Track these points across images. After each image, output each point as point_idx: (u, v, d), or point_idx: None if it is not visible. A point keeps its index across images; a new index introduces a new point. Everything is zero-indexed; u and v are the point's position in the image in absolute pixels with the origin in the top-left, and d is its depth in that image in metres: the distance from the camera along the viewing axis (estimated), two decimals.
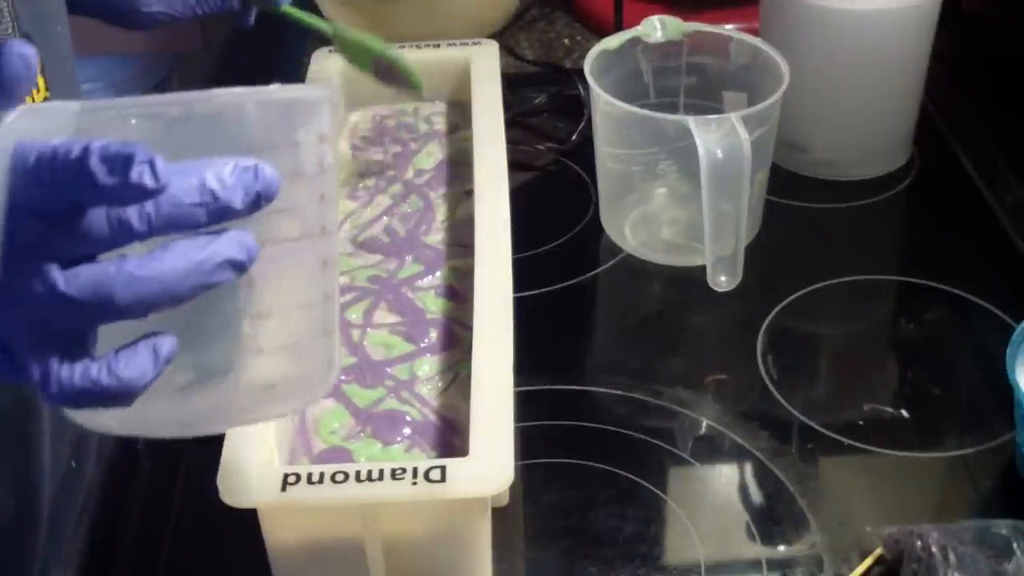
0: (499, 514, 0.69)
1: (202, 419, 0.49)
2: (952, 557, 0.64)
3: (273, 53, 1.09)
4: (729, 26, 0.99)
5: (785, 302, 0.89)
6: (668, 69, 0.97)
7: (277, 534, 0.62)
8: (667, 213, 0.96)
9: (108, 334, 0.44)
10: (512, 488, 0.68)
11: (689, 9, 1.12)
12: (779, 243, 0.95)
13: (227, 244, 0.43)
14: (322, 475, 0.59)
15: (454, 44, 0.95)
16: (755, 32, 0.97)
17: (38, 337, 0.43)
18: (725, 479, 0.77)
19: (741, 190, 0.83)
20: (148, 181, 0.40)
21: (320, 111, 0.47)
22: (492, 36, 1.07)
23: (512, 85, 1.04)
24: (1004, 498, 0.75)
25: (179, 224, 0.42)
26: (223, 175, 0.42)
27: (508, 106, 0.91)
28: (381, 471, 0.59)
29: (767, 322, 0.88)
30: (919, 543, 0.66)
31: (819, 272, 0.92)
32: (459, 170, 0.88)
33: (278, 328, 0.48)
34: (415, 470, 0.59)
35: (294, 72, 1.00)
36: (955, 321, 0.89)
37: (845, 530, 0.72)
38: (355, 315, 0.75)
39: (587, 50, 0.93)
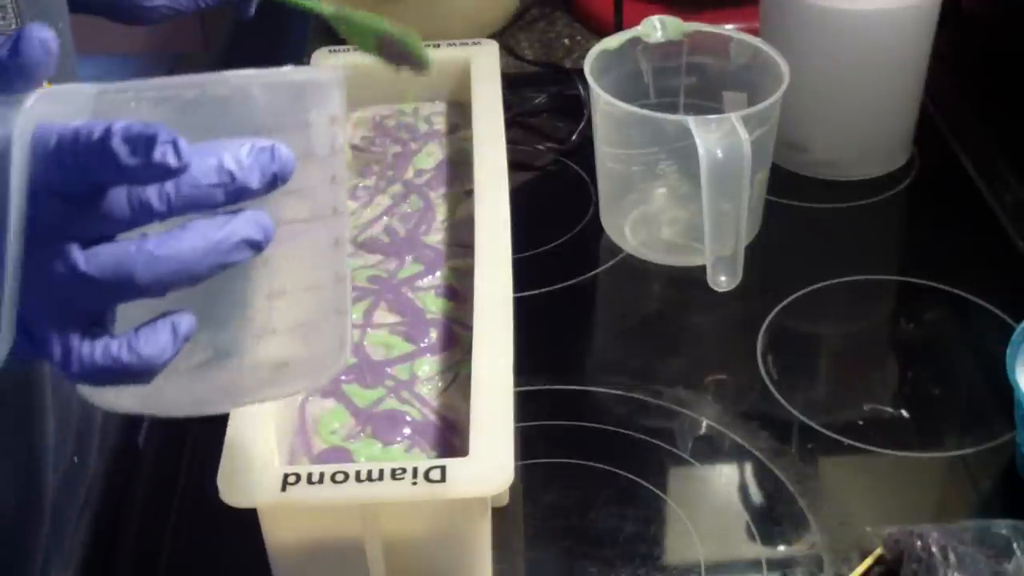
0: (499, 514, 0.69)
1: (216, 397, 0.50)
2: (952, 557, 0.64)
3: (273, 53, 1.09)
4: (729, 26, 0.99)
5: (785, 302, 0.89)
6: (668, 69, 0.97)
7: (277, 534, 0.62)
8: (667, 213, 0.96)
9: (126, 313, 0.45)
10: (512, 488, 0.68)
11: (689, 9, 1.12)
12: (779, 243, 0.95)
13: (244, 224, 0.44)
14: (322, 475, 0.59)
15: (454, 44, 0.95)
16: (755, 32, 0.97)
17: (59, 316, 0.43)
18: (725, 479, 0.77)
19: (741, 190, 0.83)
20: (171, 160, 0.41)
21: (332, 93, 0.47)
22: (492, 36, 1.07)
23: (512, 85, 1.04)
24: (1004, 498, 0.75)
25: (197, 204, 0.43)
26: (240, 156, 0.43)
27: (508, 106, 0.91)
28: (381, 471, 0.59)
29: (767, 322, 0.88)
30: (919, 543, 0.66)
31: (819, 272, 0.92)
32: (459, 170, 0.88)
33: (291, 308, 0.49)
34: (415, 470, 0.59)
35: None
36: (955, 321, 0.89)
37: (845, 530, 0.72)
38: (355, 315, 0.75)
39: (587, 50, 0.93)
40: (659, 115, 0.88)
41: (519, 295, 0.72)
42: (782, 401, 0.81)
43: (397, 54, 0.83)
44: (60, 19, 0.69)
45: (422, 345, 0.73)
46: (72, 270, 0.42)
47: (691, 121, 0.84)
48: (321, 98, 0.47)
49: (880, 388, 0.84)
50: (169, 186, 0.42)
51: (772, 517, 0.73)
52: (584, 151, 1.01)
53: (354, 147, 0.91)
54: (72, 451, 0.76)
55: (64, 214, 0.42)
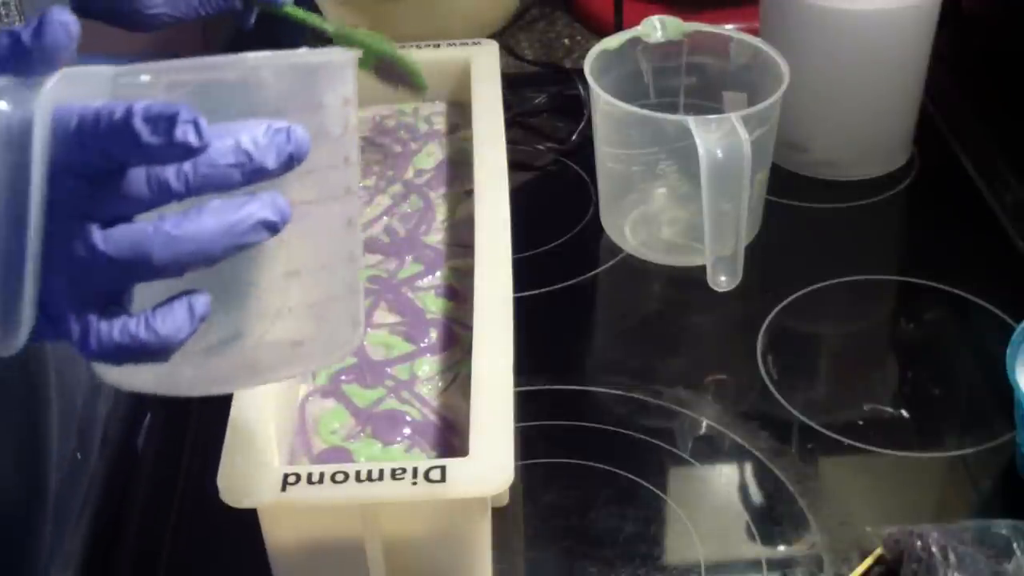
0: (499, 514, 0.69)
1: (232, 376, 0.51)
2: (952, 557, 0.64)
3: None
4: (729, 26, 0.99)
5: (785, 302, 0.89)
6: (668, 69, 0.97)
7: (277, 534, 0.62)
8: (667, 213, 0.96)
9: (143, 293, 0.45)
10: (512, 488, 0.68)
11: (689, 9, 1.12)
12: (779, 243, 0.95)
13: (261, 205, 0.44)
14: (322, 475, 0.59)
15: (454, 44, 0.95)
16: (755, 32, 0.97)
17: (77, 295, 0.44)
18: (725, 479, 0.77)
19: (741, 190, 0.83)
20: (192, 139, 0.41)
21: (345, 74, 0.48)
22: (492, 36, 1.07)
23: (512, 85, 1.04)
24: (1004, 498, 0.75)
25: (215, 184, 0.43)
26: (257, 136, 0.43)
27: (508, 106, 0.91)
28: (381, 471, 0.59)
29: (767, 322, 0.88)
30: (919, 543, 0.66)
31: (819, 272, 0.92)
32: (459, 170, 0.88)
33: (305, 287, 0.49)
34: (415, 470, 0.59)
35: None
36: (955, 321, 0.89)
37: (845, 530, 0.72)
38: None
39: (587, 50, 0.93)
40: (659, 115, 0.88)
41: (519, 295, 0.72)
42: (782, 401, 0.81)
43: (396, 75, 0.85)
44: None
45: (422, 345, 0.73)
46: (91, 250, 0.43)
47: (691, 121, 0.84)
48: (334, 80, 0.48)
49: (880, 388, 0.84)
50: (187, 166, 0.43)
51: (772, 517, 0.73)
52: (584, 151, 1.01)
53: None
54: (75, 447, 0.76)
55: (84, 194, 0.43)
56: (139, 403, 0.82)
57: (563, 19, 1.27)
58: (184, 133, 0.41)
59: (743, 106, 0.90)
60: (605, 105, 0.90)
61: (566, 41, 1.23)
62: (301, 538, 0.63)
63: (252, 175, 0.44)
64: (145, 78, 0.44)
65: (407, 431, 0.68)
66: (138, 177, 0.43)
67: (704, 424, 0.80)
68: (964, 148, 1.05)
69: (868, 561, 0.69)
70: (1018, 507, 0.71)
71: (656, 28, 0.95)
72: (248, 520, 0.61)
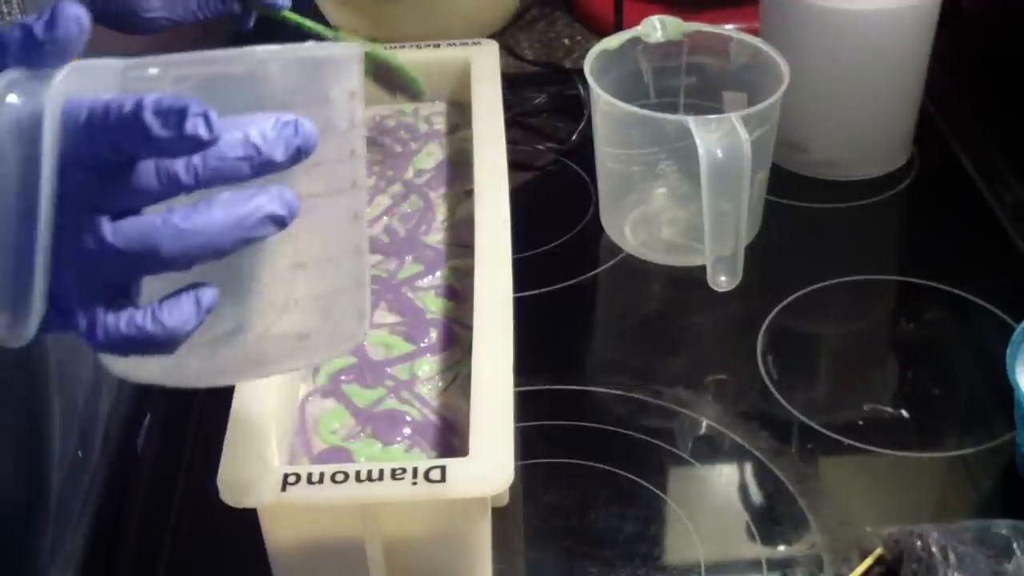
0: (499, 514, 0.69)
1: (238, 368, 0.51)
2: (952, 557, 0.64)
3: None
4: (729, 26, 0.99)
5: (785, 302, 0.89)
6: (668, 69, 0.97)
7: (277, 534, 0.62)
8: (667, 213, 0.96)
9: (150, 285, 0.46)
10: (512, 488, 0.68)
11: (689, 9, 1.12)
12: (779, 243, 0.95)
13: (269, 199, 0.44)
14: (322, 475, 0.59)
15: (454, 44, 0.95)
16: (755, 32, 0.97)
17: (85, 287, 0.44)
18: (725, 479, 0.77)
19: (741, 190, 0.83)
20: (203, 132, 0.42)
21: (351, 68, 0.48)
22: (492, 36, 1.07)
23: (512, 85, 1.04)
24: (1004, 498, 0.75)
25: (224, 177, 0.43)
26: (265, 130, 0.44)
27: (508, 106, 0.91)
28: (381, 471, 0.59)
29: (767, 322, 0.88)
30: (919, 543, 0.66)
31: (819, 272, 0.92)
32: (459, 170, 0.88)
33: (312, 280, 0.50)
34: (415, 470, 0.59)
35: None
36: (955, 321, 0.89)
37: (845, 530, 0.72)
38: None
39: (587, 50, 0.93)
40: (659, 115, 0.88)
41: (519, 295, 0.72)
42: (782, 401, 0.81)
43: (394, 83, 0.85)
44: None
45: (422, 345, 0.73)
46: (100, 242, 0.43)
47: (691, 121, 0.84)
48: (340, 73, 0.48)
49: (880, 388, 0.84)
50: (196, 159, 0.43)
51: (772, 517, 0.73)
52: (584, 151, 1.01)
53: None
54: (76, 446, 0.76)
55: (93, 187, 0.43)
56: (140, 402, 0.82)
57: (563, 19, 1.27)
58: (194, 126, 0.41)
59: (743, 106, 0.90)
60: (605, 105, 0.90)
61: (566, 41, 1.23)
62: (301, 538, 0.63)
63: (261, 168, 0.44)
64: (154, 71, 0.44)
65: (407, 431, 0.68)
66: (147, 170, 0.43)
67: (704, 424, 0.80)
68: (964, 148, 1.05)
69: (868, 561, 0.69)
70: (1018, 507, 0.71)
71: (656, 28, 0.95)
72: (248, 520, 0.61)
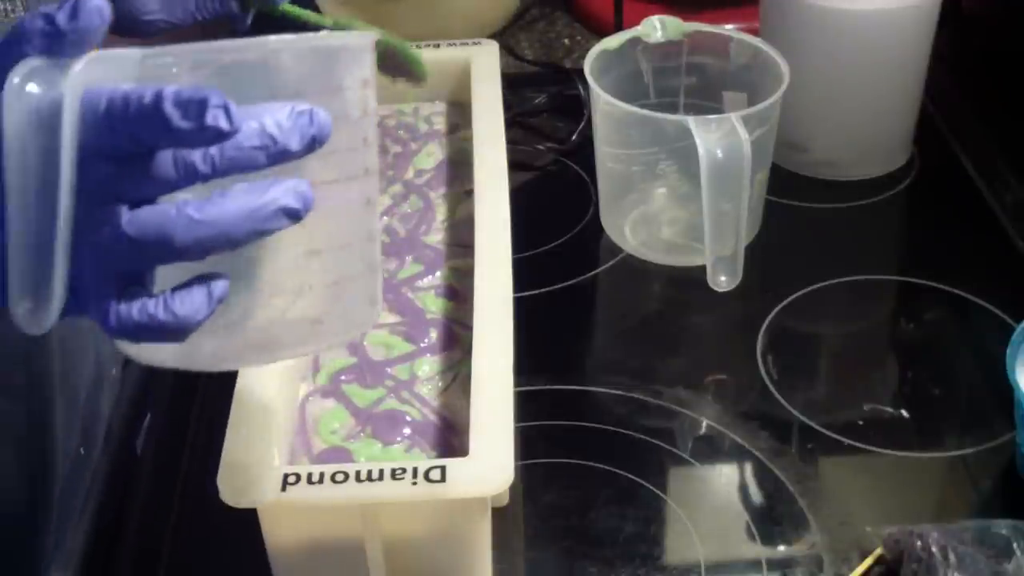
0: (499, 514, 0.69)
1: (252, 354, 0.52)
2: (952, 557, 0.64)
3: None
4: (729, 26, 0.99)
5: (785, 302, 0.89)
6: (668, 69, 0.97)
7: (277, 534, 0.62)
8: (667, 213, 0.96)
9: (164, 272, 0.46)
10: (512, 488, 0.68)
11: (689, 9, 1.12)
12: (779, 243, 0.95)
13: (284, 192, 0.44)
14: (322, 475, 0.59)
15: (454, 44, 0.95)
16: (755, 32, 0.97)
17: (100, 274, 0.44)
18: (725, 479, 0.77)
19: (741, 190, 0.83)
20: (223, 124, 0.42)
21: (364, 57, 0.49)
22: (492, 36, 1.07)
23: (512, 85, 1.04)
24: (1004, 498, 0.75)
25: (240, 167, 0.44)
26: (281, 119, 0.44)
27: (508, 106, 0.91)
28: (381, 471, 0.59)
29: (767, 322, 0.88)
30: (919, 543, 0.66)
31: (819, 272, 0.92)
32: (459, 170, 0.88)
33: (325, 266, 0.50)
34: (415, 470, 0.59)
35: None
36: (955, 321, 0.89)
37: (845, 530, 0.72)
38: None
39: (587, 50, 0.93)
40: (659, 115, 0.88)
41: (519, 295, 0.72)
42: (782, 401, 0.81)
43: (396, 65, 0.85)
44: None
45: (422, 345, 0.73)
46: (115, 231, 0.43)
47: (691, 121, 0.84)
48: (353, 62, 0.49)
49: (880, 388, 0.84)
50: (214, 149, 0.43)
51: (772, 517, 0.73)
52: (584, 151, 1.01)
53: None
54: (78, 443, 0.76)
55: (110, 176, 0.43)
56: (140, 402, 0.82)
57: (563, 19, 1.27)
58: (215, 118, 0.42)
59: (743, 106, 0.90)
60: (605, 105, 0.90)
61: (566, 41, 1.23)
62: (301, 538, 0.63)
63: (276, 157, 0.44)
64: (169, 60, 0.45)
65: (407, 431, 0.67)
66: (165, 160, 0.43)
67: (704, 424, 0.80)
68: (964, 148, 1.05)
69: (868, 561, 0.69)
70: (1018, 507, 0.71)
71: (656, 28, 0.95)
72: (248, 520, 0.61)
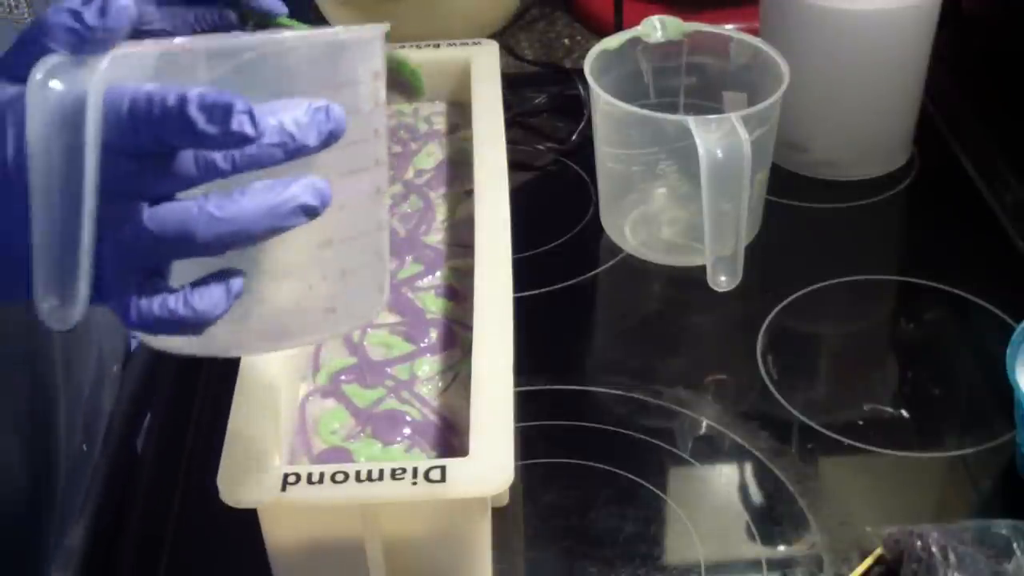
0: (499, 514, 0.69)
1: (266, 341, 0.53)
2: (952, 557, 0.64)
3: None
4: (729, 26, 0.99)
5: (785, 302, 0.89)
6: (668, 69, 0.97)
7: (277, 534, 0.62)
8: (667, 213, 0.96)
9: (181, 264, 0.47)
10: (512, 488, 0.68)
11: (689, 9, 1.12)
12: (779, 243, 0.95)
13: (302, 190, 0.45)
14: (322, 475, 0.59)
15: (454, 44, 0.95)
16: (755, 32, 0.97)
17: (121, 269, 0.45)
18: (725, 479, 0.77)
19: (741, 190, 0.83)
20: (248, 130, 0.43)
21: (374, 48, 0.50)
22: (492, 36, 1.07)
23: (512, 85, 1.04)
24: (1004, 498, 0.75)
25: (259, 164, 0.45)
26: (299, 116, 0.45)
27: (508, 106, 0.91)
28: (381, 471, 0.59)
29: (767, 322, 0.88)
30: (919, 543, 0.66)
31: (819, 272, 0.92)
32: (459, 170, 0.88)
33: (339, 255, 0.51)
34: (415, 470, 0.59)
35: None
36: (955, 321, 0.89)
37: (845, 530, 0.72)
38: None
39: (587, 50, 0.93)
40: (659, 115, 0.88)
41: (519, 295, 0.72)
42: (782, 401, 0.81)
43: (392, 80, 0.85)
44: None
45: (422, 345, 0.73)
46: (137, 227, 0.44)
47: (691, 121, 0.84)
48: (365, 55, 0.49)
49: (880, 388, 0.84)
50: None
51: (772, 517, 0.73)
52: (584, 151, 1.01)
53: None
54: (81, 440, 0.76)
55: (131, 173, 0.44)
56: (141, 401, 0.82)
57: (563, 19, 1.27)
58: (240, 124, 0.42)
59: (743, 106, 0.90)
60: (605, 105, 0.90)
61: (566, 41, 1.23)
62: (301, 538, 0.63)
63: (294, 153, 0.45)
64: (187, 57, 0.45)
65: (407, 431, 0.67)
66: (187, 158, 0.44)
67: (704, 424, 0.80)
68: (964, 148, 1.05)
69: (868, 561, 0.69)
70: (1018, 507, 0.71)
71: (656, 28, 0.95)
72: (248, 520, 0.61)
